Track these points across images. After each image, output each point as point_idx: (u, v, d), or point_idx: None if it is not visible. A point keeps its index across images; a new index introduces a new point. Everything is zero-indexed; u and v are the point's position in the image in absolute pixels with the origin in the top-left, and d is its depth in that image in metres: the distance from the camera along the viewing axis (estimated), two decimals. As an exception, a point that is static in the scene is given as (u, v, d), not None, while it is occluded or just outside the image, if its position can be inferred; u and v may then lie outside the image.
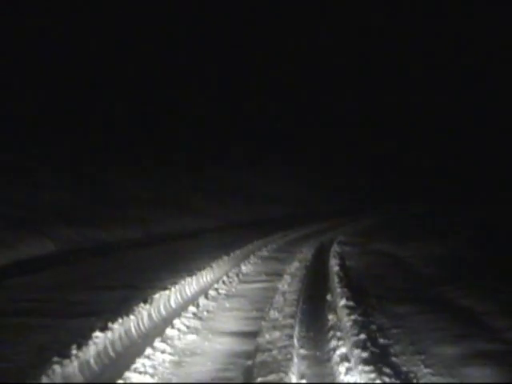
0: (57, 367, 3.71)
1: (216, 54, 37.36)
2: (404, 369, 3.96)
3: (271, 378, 3.81)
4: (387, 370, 3.71)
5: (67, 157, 21.08)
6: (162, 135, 28.32)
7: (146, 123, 27.73)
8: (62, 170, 19.68)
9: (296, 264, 10.43)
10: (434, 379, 3.65)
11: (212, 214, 21.99)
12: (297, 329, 5.39)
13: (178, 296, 6.90)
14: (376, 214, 32.01)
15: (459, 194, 45.82)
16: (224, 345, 4.95)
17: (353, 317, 5.25)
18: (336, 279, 7.57)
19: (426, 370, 3.85)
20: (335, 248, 12.06)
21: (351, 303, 5.87)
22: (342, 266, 9.23)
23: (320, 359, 4.54)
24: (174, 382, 3.99)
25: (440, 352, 4.22)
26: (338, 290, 6.75)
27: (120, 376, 3.87)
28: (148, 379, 3.92)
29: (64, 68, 22.77)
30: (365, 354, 4.03)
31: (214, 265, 9.07)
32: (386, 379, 3.51)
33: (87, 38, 25.08)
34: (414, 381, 3.70)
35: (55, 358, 3.82)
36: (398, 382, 3.58)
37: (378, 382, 3.41)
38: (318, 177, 40.79)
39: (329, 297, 6.94)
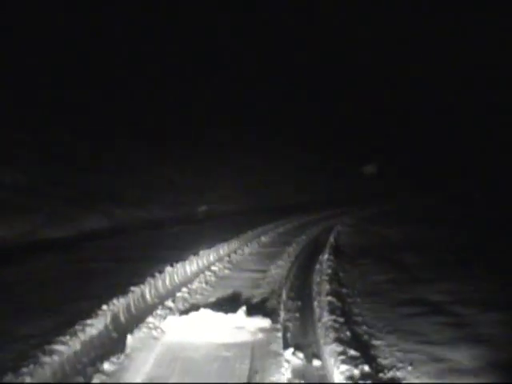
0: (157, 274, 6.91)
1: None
2: (345, 284, 6.98)
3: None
4: (337, 284, 6.75)
5: (109, 147, 24.52)
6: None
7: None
8: (105, 158, 23.14)
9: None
10: (358, 286, 6.69)
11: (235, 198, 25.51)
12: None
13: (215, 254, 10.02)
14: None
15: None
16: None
17: (329, 263, 8.27)
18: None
19: (360, 286, 6.88)
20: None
21: (332, 257, 8.91)
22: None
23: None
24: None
25: (372, 279, 7.27)
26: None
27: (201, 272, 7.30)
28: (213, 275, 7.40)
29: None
30: (328, 278, 7.07)
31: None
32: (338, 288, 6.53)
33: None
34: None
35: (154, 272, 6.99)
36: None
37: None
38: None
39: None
